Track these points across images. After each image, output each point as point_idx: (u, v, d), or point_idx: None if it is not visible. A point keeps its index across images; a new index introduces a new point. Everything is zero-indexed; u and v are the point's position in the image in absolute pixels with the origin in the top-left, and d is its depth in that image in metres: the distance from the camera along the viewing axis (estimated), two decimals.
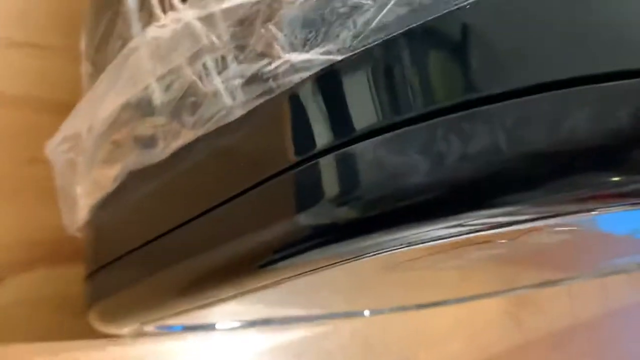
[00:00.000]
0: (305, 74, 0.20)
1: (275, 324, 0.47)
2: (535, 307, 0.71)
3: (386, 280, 0.38)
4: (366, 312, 0.51)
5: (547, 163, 0.17)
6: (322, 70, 0.20)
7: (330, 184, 0.21)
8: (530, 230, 0.22)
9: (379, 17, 0.19)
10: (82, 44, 0.37)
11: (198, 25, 0.23)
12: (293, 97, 0.21)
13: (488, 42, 0.18)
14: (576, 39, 0.17)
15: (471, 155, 0.17)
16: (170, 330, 0.39)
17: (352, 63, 0.20)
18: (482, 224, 0.20)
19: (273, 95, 0.22)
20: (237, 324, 0.44)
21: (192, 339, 0.42)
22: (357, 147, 0.19)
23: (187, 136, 0.25)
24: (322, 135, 0.20)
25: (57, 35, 0.46)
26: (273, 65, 0.21)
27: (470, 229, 0.20)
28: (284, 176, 0.22)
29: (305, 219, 0.21)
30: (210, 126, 0.24)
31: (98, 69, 0.32)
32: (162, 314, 0.33)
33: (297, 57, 0.21)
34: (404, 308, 0.53)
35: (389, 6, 0.19)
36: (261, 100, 0.22)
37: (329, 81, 0.20)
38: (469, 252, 0.28)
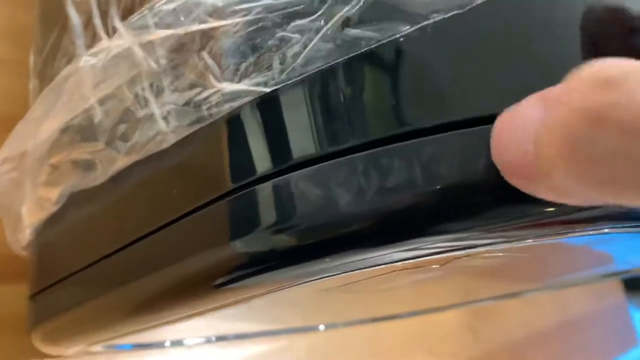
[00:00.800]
0: (235, 104, 0.21)
1: (230, 339, 0.47)
2: (492, 318, 0.72)
3: (339, 297, 0.38)
4: (321, 327, 0.51)
5: (470, 196, 0.18)
6: (251, 101, 0.20)
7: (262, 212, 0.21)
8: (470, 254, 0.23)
9: (305, 51, 0.20)
10: (31, 59, 0.37)
11: (138, 50, 0.23)
12: (224, 126, 0.21)
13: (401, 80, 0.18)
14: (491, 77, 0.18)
15: (391, 189, 0.18)
16: (118, 349, 0.38)
17: (278, 95, 0.20)
18: (412, 254, 0.20)
19: (206, 123, 0.22)
20: (190, 341, 0.44)
21: (143, 356, 0.42)
22: (287, 178, 0.19)
23: (123, 161, 0.25)
24: (247, 165, 0.20)
25: (7, 49, 0.45)
26: (205, 94, 0.22)
27: (403, 257, 0.21)
28: (219, 203, 0.22)
29: (241, 247, 0.21)
30: (145, 152, 0.24)
31: (44, 85, 0.32)
32: (107, 336, 0.33)
33: (228, 87, 0.21)
34: (359, 322, 0.53)
35: (314, 41, 0.19)
36: (195, 128, 0.22)
37: (258, 112, 0.20)
38: (415, 273, 0.28)
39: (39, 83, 0.35)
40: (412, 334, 0.63)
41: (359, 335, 0.58)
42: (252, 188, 0.20)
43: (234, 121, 0.21)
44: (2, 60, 0.44)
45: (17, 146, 0.29)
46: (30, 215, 0.32)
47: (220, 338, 0.46)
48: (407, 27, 0.19)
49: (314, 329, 0.52)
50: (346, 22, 0.19)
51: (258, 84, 0.20)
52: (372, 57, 0.19)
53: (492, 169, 0.17)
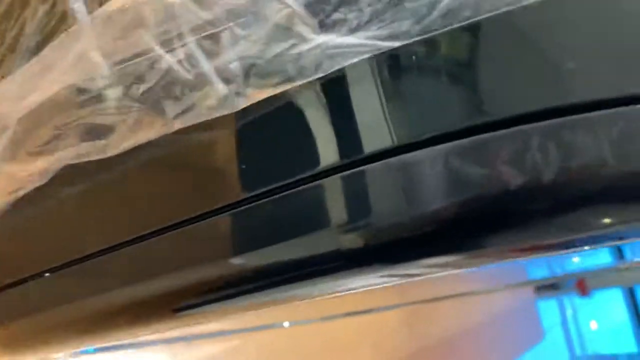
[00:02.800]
0: (344, 62, 0.17)
1: (189, 339, 0.43)
2: (428, 316, 0.73)
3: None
4: (285, 324, 0.48)
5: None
6: (372, 59, 0.17)
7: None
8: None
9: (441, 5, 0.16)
10: None
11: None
12: (329, 90, 0.17)
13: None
14: None
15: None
16: (81, 354, 0.33)
17: (416, 52, 0.16)
18: None
19: (292, 85, 0.18)
20: (148, 342, 0.39)
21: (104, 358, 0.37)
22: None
23: (162, 127, 0.20)
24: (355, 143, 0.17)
25: None
26: (297, 49, 0.17)
27: None
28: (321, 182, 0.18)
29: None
30: (194, 118, 0.19)
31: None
32: (69, 347, 0.28)
33: (332, 40, 0.17)
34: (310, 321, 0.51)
35: None
36: (273, 92, 0.18)
37: (383, 74, 0.17)
38: None
39: None
40: (358, 330, 0.62)
41: (308, 333, 0.55)
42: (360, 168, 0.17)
43: (342, 85, 0.17)
44: None
45: None
46: None
47: (179, 338, 0.42)
48: None
49: (278, 325, 0.49)
50: None
51: (380, 38, 0.17)
52: (547, 8, 0.16)
53: None
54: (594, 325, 1.83)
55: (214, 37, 0.19)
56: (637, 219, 0.16)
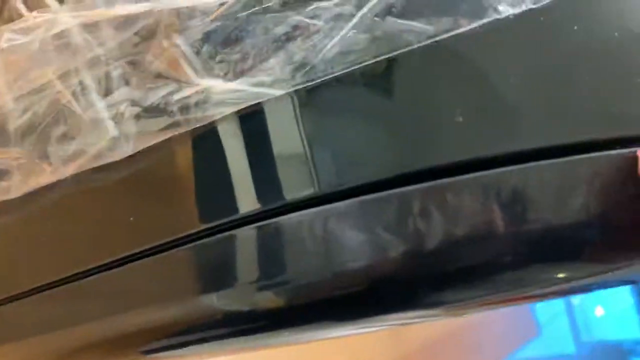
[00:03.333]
0: (226, 110, 0.15)
1: None
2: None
3: None
4: None
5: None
6: (252, 108, 0.15)
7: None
8: None
9: (331, 44, 0.15)
10: None
11: (77, 31, 0.17)
12: (207, 139, 0.16)
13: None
14: None
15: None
16: None
17: (294, 103, 0.15)
18: None
19: (179, 131, 0.16)
20: None
21: None
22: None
23: (52, 174, 0.19)
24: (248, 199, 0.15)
25: None
26: (182, 94, 0.16)
27: None
28: (188, 246, 0.17)
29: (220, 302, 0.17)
30: (84, 164, 0.18)
31: None
32: None
33: (217, 85, 0.16)
34: None
35: (344, 30, 0.15)
36: (161, 137, 0.17)
37: (261, 124, 0.15)
38: None
39: None
40: (338, 339, 0.60)
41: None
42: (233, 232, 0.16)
43: (223, 134, 0.16)
44: None
45: None
46: None
47: None
48: (468, 21, 0.14)
49: None
50: (387, 9, 0.15)
51: (261, 85, 0.15)
52: (424, 57, 0.14)
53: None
54: (599, 311, 1.83)
55: (107, 76, 0.18)
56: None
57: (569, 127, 0.14)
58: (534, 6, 0.14)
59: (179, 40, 0.16)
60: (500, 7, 0.14)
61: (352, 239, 0.15)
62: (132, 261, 0.18)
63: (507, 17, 0.14)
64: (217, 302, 0.17)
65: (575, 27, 0.14)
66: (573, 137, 0.14)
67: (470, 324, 0.90)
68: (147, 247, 0.18)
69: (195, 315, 0.18)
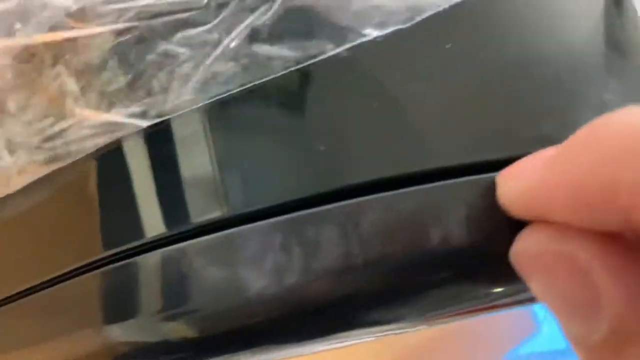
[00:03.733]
0: (100, 140, 0.15)
1: None
2: None
3: None
4: None
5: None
6: (124, 139, 0.15)
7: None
8: None
9: (199, 73, 0.15)
10: None
11: None
12: (87, 171, 0.16)
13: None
14: None
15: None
16: None
17: (161, 133, 0.15)
18: None
19: (64, 163, 0.16)
20: None
21: None
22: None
23: None
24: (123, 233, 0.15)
25: None
26: (61, 125, 0.16)
27: None
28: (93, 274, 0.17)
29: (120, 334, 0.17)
30: None
31: None
32: None
33: (93, 117, 0.15)
34: None
35: (211, 58, 0.14)
36: (46, 169, 0.17)
37: (131, 155, 0.15)
38: None
39: None
40: None
41: None
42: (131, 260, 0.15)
43: (100, 165, 0.15)
44: None
45: None
46: None
47: None
48: (334, 45, 0.14)
49: None
50: (254, 36, 0.14)
51: (134, 116, 0.15)
52: (290, 83, 0.14)
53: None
54: None
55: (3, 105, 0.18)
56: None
57: (448, 150, 0.14)
58: (403, 26, 0.14)
59: (60, 69, 0.16)
60: (366, 30, 0.14)
61: (263, 262, 0.14)
62: (35, 292, 0.18)
63: (375, 39, 0.14)
64: (122, 333, 0.17)
65: (448, 46, 0.14)
66: (448, 160, 0.14)
67: (469, 322, 0.90)
68: (50, 277, 0.18)
69: (103, 348, 0.18)
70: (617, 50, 0.18)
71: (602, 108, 0.16)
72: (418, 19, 0.14)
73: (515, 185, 0.12)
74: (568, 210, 0.11)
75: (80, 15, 0.16)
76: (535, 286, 0.12)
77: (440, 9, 0.14)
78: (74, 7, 0.15)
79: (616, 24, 0.19)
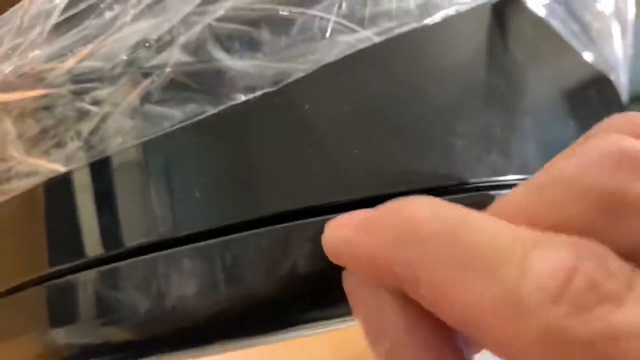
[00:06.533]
0: (28, 182, 0.18)
1: None
2: None
3: None
4: None
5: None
6: (49, 182, 0.18)
7: None
8: None
9: (105, 127, 0.18)
10: None
11: None
12: (22, 208, 0.19)
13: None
14: None
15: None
16: None
17: (71, 178, 0.18)
18: None
19: (7, 198, 0.20)
20: None
21: None
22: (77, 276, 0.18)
23: None
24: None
25: None
26: (2, 167, 0.19)
27: None
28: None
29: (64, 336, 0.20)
30: None
31: None
32: None
33: (28, 161, 0.19)
34: None
35: (114, 115, 0.17)
36: None
37: (50, 195, 0.18)
38: None
39: None
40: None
41: None
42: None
43: (26, 203, 0.19)
44: None
45: None
46: None
47: None
48: (211, 107, 0.17)
49: None
50: (147, 98, 0.17)
51: (55, 161, 0.18)
52: (175, 139, 0.17)
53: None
54: None
55: None
56: None
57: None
58: (271, 89, 0.17)
59: (6, 120, 0.19)
60: (234, 94, 0.17)
61: (184, 279, 0.17)
62: None
63: (247, 102, 0.17)
64: (65, 335, 0.20)
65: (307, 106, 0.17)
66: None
67: None
68: (5, 288, 0.21)
69: (52, 348, 0.21)
70: (499, 73, 0.20)
71: (482, 134, 0.18)
72: (284, 83, 0.17)
73: (331, 236, 0.15)
74: (363, 267, 0.14)
75: (20, 76, 0.19)
76: (355, 316, 0.15)
77: (304, 74, 0.17)
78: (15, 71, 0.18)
79: (499, 45, 0.21)
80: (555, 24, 0.22)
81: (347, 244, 0.14)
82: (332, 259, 0.15)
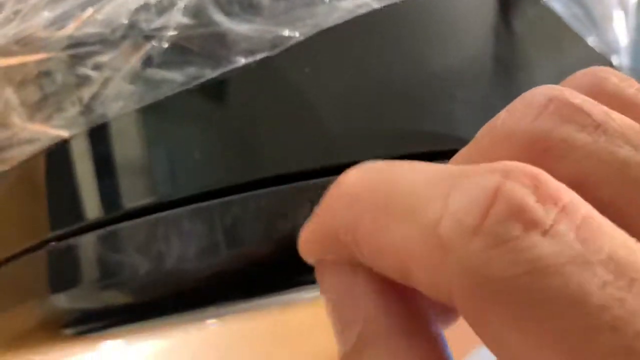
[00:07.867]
0: (31, 148, 0.19)
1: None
2: None
3: None
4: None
5: None
6: (50, 148, 0.18)
7: None
8: None
9: (105, 92, 0.18)
10: None
11: None
12: (24, 175, 0.19)
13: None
14: None
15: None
16: None
17: (72, 143, 0.18)
18: None
19: (7, 168, 0.20)
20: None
21: None
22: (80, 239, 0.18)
23: None
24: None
25: None
26: (4, 134, 0.19)
27: None
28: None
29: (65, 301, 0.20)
30: None
31: None
32: None
33: (29, 127, 0.19)
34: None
35: (115, 80, 0.18)
36: None
37: (53, 160, 0.18)
38: None
39: None
40: (314, 317, 0.61)
41: (259, 319, 0.56)
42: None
43: (27, 169, 0.19)
44: None
45: None
46: None
47: None
48: (211, 70, 0.17)
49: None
50: (147, 62, 0.17)
51: (57, 127, 0.18)
52: (174, 102, 0.17)
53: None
54: None
55: None
56: None
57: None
58: (270, 53, 0.17)
59: (7, 88, 0.19)
60: (234, 58, 0.17)
61: (184, 241, 0.18)
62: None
63: (247, 65, 0.17)
64: (65, 300, 0.20)
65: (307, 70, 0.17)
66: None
67: None
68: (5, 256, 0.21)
69: (53, 313, 0.21)
70: (500, 47, 0.21)
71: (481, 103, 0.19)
72: (283, 47, 0.17)
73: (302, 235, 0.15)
74: (320, 244, 0.14)
75: (20, 41, 0.19)
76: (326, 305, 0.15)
77: (302, 38, 0.17)
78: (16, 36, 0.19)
79: (501, 22, 0.21)
80: (558, 7, 0.22)
81: (309, 232, 0.14)
82: (303, 254, 0.15)
